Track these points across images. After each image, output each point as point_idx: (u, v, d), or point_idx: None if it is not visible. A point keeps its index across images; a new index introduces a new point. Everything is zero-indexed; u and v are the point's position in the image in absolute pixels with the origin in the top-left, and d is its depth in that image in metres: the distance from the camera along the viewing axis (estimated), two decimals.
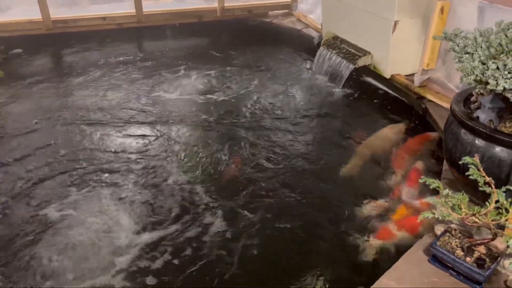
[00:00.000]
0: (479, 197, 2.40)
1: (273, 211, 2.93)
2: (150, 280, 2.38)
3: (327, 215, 2.91)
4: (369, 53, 4.83)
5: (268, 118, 4.25)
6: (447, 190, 2.22)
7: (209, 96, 4.73)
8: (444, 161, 3.08)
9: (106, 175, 3.22)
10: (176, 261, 2.54)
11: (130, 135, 3.89)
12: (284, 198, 3.07)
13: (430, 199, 2.28)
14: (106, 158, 3.44)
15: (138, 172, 3.34)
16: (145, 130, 3.99)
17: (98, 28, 6.21)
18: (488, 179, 2.19)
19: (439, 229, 2.51)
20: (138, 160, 3.50)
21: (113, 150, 3.62)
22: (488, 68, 2.29)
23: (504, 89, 2.24)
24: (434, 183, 2.28)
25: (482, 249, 2.25)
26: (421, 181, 2.28)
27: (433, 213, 2.18)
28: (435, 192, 2.36)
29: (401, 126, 3.93)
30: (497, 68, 2.27)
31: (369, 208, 2.94)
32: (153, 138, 3.84)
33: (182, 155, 3.51)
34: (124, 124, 4.09)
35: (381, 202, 2.99)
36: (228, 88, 4.94)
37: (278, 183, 3.22)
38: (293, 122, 4.21)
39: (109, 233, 2.71)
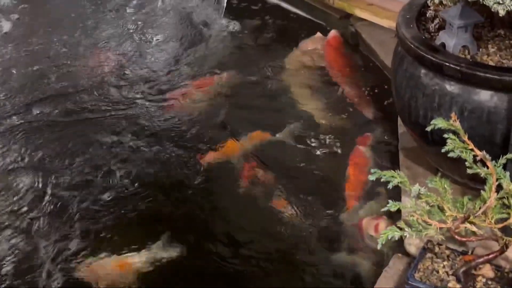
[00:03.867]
0: (466, 175, 2.10)
1: None
2: None
3: None
4: None
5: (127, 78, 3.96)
6: (417, 187, 1.91)
7: None
8: (399, 120, 2.82)
9: None
10: None
11: None
12: None
13: (392, 206, 1.91)
14: None
15: None
16: None
17: None
18: (480, 154, 1.88)
19: (412, 244, 2.20)
20: None
21: None
22: None
23: None
24: (393, 176, 1.92)
25: (487, 270, 1.97)
26: (372, 177, 1.94)
27: (401, 229, 1.90)
28: None
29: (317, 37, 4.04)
30: None
31: None
32: None
33: None
34: None
35: None
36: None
37: None
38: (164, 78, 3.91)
39: None
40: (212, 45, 4.26)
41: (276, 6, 4.57)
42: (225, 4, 4.49)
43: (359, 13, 3.92)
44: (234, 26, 4.43)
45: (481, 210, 1.86)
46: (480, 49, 2.24)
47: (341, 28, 4.02)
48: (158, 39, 4.39)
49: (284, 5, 4.54)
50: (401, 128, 2.80)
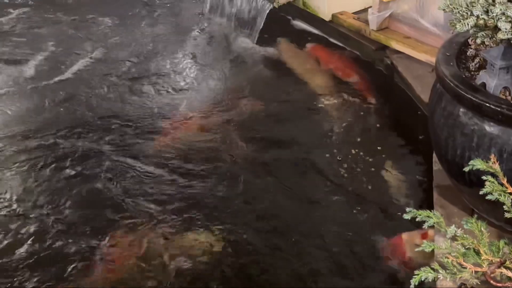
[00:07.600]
0: (502, 218, 2.12)
1: None
2: None
3: None
4: None
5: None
6: (453, 228, 1.93)
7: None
8: (434, 156, 2.85)
9: None
10: None
11: None
12: None
13: (426, 246, 1.93)
14: None
15: None
16: None
17: None
18: None
19: (445, 286, 2.20)
20: None
21: None
22: (494, 1, 1.98)
23: None
24: (429, 216, 1.95)
25: None
26: (407, 216, 1.96)
27: (434, 270, 1.91)
28: None
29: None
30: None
31: None
32: None
33: None
34: None
35: None
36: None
37: None
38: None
39: None
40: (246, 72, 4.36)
41: (310, 34, 4.65)
42: (259, 27, 4.61)
43: (395, 45, 3.94)
44: (266, 49, 4.57)
45: None
46: None
47: (377, 60, 4.08)
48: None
49: (318, 33, 4.61)
50: (436, 165, 2.79)
